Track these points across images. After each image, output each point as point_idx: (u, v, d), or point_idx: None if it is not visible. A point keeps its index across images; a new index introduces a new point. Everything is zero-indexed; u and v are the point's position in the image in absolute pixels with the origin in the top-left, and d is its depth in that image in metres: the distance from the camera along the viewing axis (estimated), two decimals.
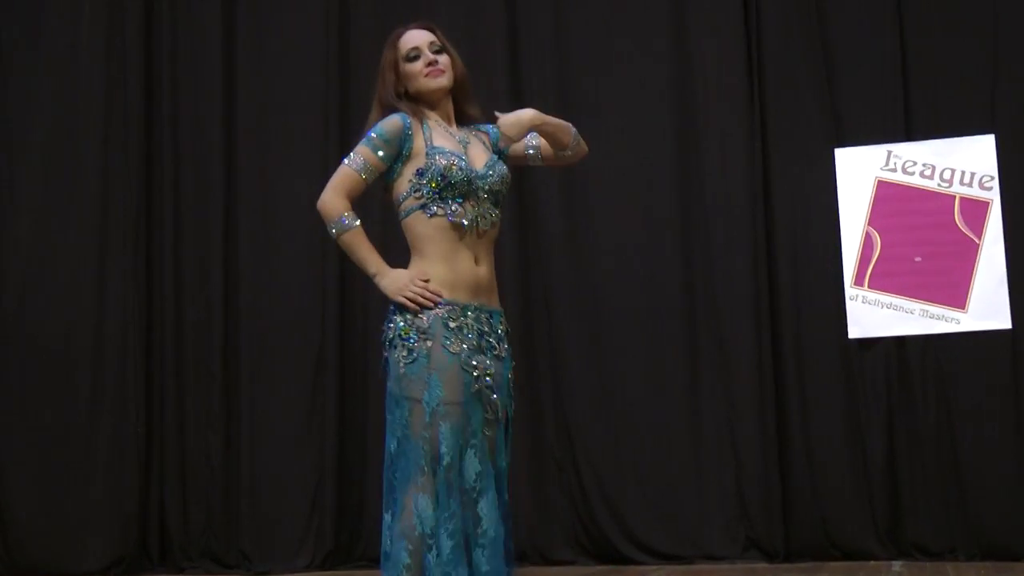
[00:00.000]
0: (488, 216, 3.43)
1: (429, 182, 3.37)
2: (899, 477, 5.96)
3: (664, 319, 6.23)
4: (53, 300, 6.57)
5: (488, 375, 3.34)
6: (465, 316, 3.35)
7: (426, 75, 3.46)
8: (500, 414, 3.38)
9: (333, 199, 3.41)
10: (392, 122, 3.42)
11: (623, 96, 6.35)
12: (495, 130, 3.53)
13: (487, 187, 3.42)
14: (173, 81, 6.66)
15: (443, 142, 3.44)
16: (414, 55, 3.46)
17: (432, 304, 3.31)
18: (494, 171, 3.47)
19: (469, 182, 3.39)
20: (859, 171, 6.05)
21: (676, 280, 6.23)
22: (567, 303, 6.31)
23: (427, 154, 3.39)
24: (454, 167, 3.37)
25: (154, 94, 6.65)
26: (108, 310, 6.53)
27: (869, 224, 5.98)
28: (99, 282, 6.53)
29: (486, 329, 3.39)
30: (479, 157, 3.48)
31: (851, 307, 5.99)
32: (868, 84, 6.11)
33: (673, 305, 6.23)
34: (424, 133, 3.44)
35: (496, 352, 3.39)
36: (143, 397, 6.49)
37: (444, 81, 3.49)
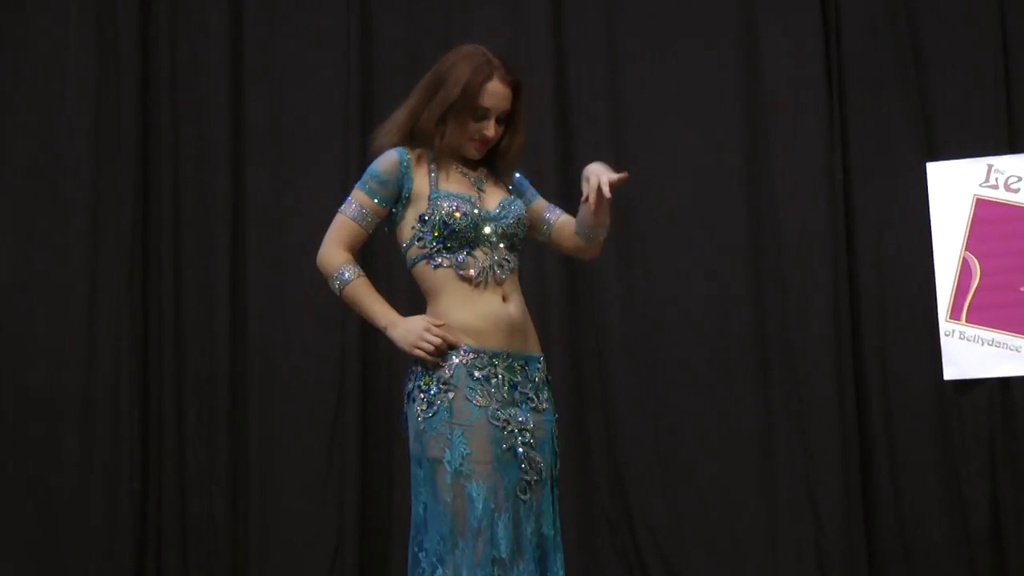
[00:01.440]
0: (505, 264, 3.28)
1: (432, 230, 3.24)
2: (1005, 543, 5.48)
3: (731, 361, 5.73)
4: (35, 341, 6.00)
5: (525, 430, 3.17)
6: (493, 365, 3.19)
7: (472, 141, 3.30)
8: (545, 474, 3.20)
9: (330, 253, 3.32)
10: (388, 160, 3.29)
11: (681, 106, 5.85)
12: (522, 183, 3.44)
13: (500, 231, 3.27)
14: (172, 85, 6.10)
15: (450, 183, 3.29)
16: (481, 115, 3.28)
17: (452, 346, 3.18)
18: (508, 211, 3.30)
19: (476, 228, 3.24)
20: (955, 188, 5.56)
21: (744, 316, 5.74)
22: (620, 346, 5.77)
23: (430, 198, 3.25)
24: (457, 213, 3.22)
25: (152, 100, 6.10)
26: (98, 353, 5.97)
27: (967, 249, 5.53)
28: (88, 319, 5.98)
29: (519, 379, 3.22)
30: (493, 196, 3.33)
31: (946, 344, 5.52)
32: (965, 88, 5.64)
33: (741, 345, 5.73)
34: (429, 173, 3.29)
35: (534, 404, 3.23)
36: (139, 451, 5.94)
37: (479, 155, 3.34)
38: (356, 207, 3.30)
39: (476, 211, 3.25)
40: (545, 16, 5.90)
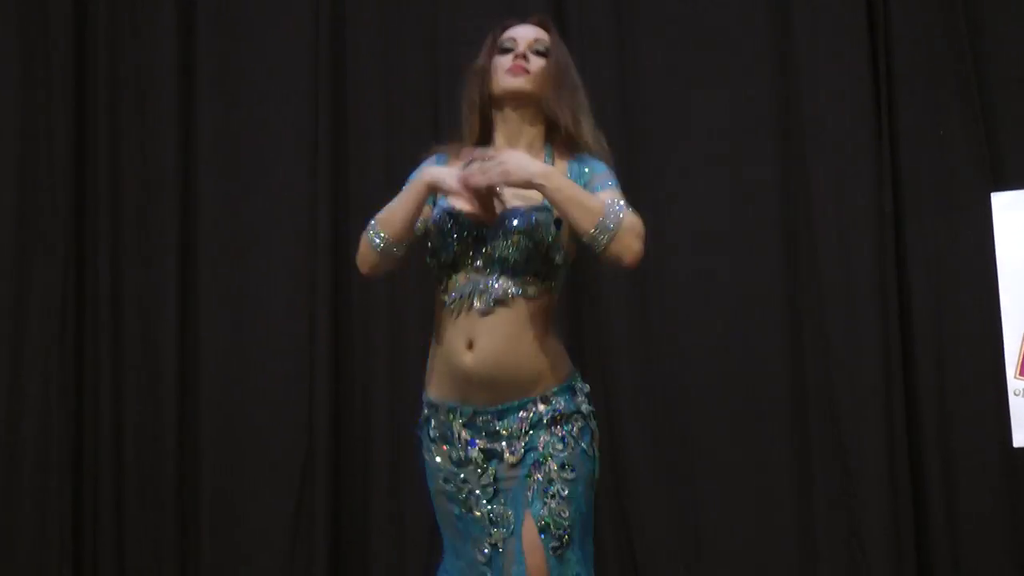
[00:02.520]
0: (487, 293, 3.01)
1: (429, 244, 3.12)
2: None
3: (765, 426, 5.30)
4: None
5: (489, 487, 3.06)
6: (449, 420, 3.08)
7: (507, 70, 3.13)
8: (517, 527, 3.01)
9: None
10: (424, 162, 3.19)
11: (705, 132, 5.42)
12: (598, 163, 3.13)
13: (485, 251, 3.02)
14: (111, 106, 5.71)
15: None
16: (508, 46, 3.17)
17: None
18: (507, 230, 3.00)
19: (450, 247, 3.04)
20: None
21: (779, 378, 5.32)
22: (633, 399, 5.33)
23: (434, 203, 3.12)
24: (434, 228, 3.06)
25: (87, 126, 5.70)
26: (25, 413, 5.59)
27: None
28: (12, 373, 5.60)
29: (482, 435, 3.06)
30: (515, 200, 3.03)
31: (1016, 406, 5.16)
32: None
33: (777, 408, 5.28)
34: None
35: (507, 457, 3.05)
36: (69, 533, 5.49)
37: (521, 84, 3.12)
38: None
39: (452, 224, 3.04)
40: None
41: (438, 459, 3.12)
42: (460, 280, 3.05)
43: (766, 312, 5.32)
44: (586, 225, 2.95)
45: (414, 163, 5.69)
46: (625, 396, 5.27)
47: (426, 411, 3.16)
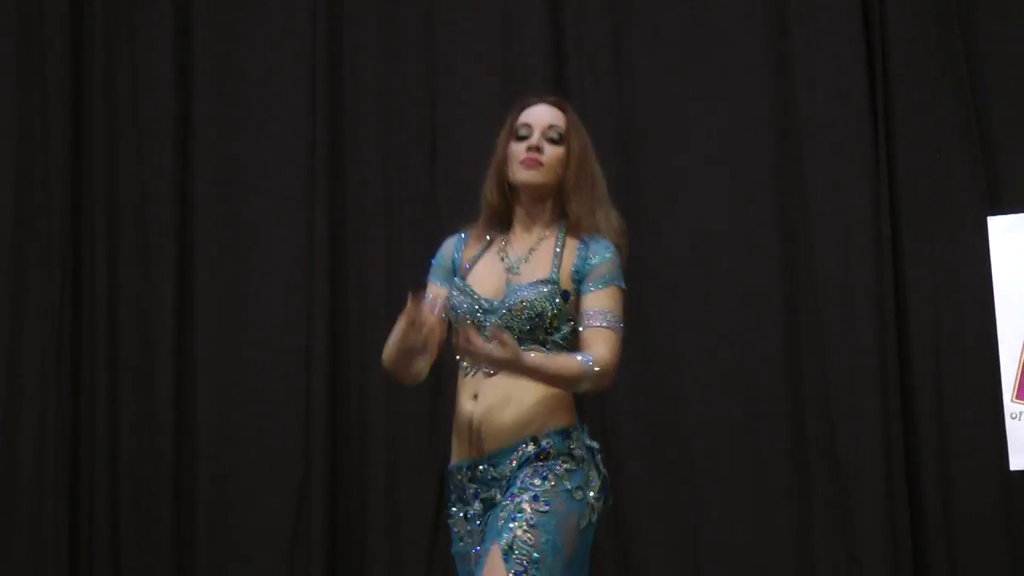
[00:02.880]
0: None
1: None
2: None
3: (762, 447, 5.29)
4: None
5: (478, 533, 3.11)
6: (459, 478, 3.16)
7: (521, 161, 3.22)
8: (483, 558, 3.01)
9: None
10: (444, 246, 3.35)
11: (699, 149, 5.43)
12: (605, 247, 3.19)
13: (500, 323, 3.10)
14: (108, 110, 5.70)
15: (483, 264, 3.25)
16: (523, 133, 3.25)
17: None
18: (510, 301, 3.13)
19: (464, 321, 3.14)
20: (1022, 245, 5.24)
21: (776, 400, 5.31)
22: (632, 423, 5.32)
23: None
24: (446, 311, 3.20)
25: (84, 126, 5.68)
26: (22, 414, 5.57)
27: None
28: (9, 374, 5.58)
29: (483, 482, 3.11)
30: (525, 275, 3.18)
31: (1012, 429, 5.16)
32: None
33: (776, 429, 5.28)
34: (475, 252, 3.29)
35: (498, 498, 3.07)
36: (65, 534, 5.48)
37: (534, 176, 3.21)
38: (424, 292, 3.29)
39: (469, 306, 3.17)
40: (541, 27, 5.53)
41: (457, 521, 3.15)
42: None
43: (764, 333, 5.33)
44: (566, 388, 3.12)
45: (412, 183, 5.67)
46: (622, 397, 5.25)
47: (449, 481, 3.20)
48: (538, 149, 3.20)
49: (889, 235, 5.25)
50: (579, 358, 3.04)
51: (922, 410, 5.22)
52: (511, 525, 2.96)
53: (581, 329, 3.13)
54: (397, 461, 5.09)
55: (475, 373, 3.12)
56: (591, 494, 3.09)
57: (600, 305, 3.14)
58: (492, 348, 2.93)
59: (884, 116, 5.31)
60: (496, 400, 3.11)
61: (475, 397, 3.12)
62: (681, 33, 5.44)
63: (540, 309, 3.15)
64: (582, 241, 3.19)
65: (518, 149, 3.21)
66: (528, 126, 3.23)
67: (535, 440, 3.09)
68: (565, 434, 3.11)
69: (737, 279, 5.35)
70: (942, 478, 5.17)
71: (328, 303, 5.28)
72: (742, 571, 5.22)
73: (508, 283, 3.18)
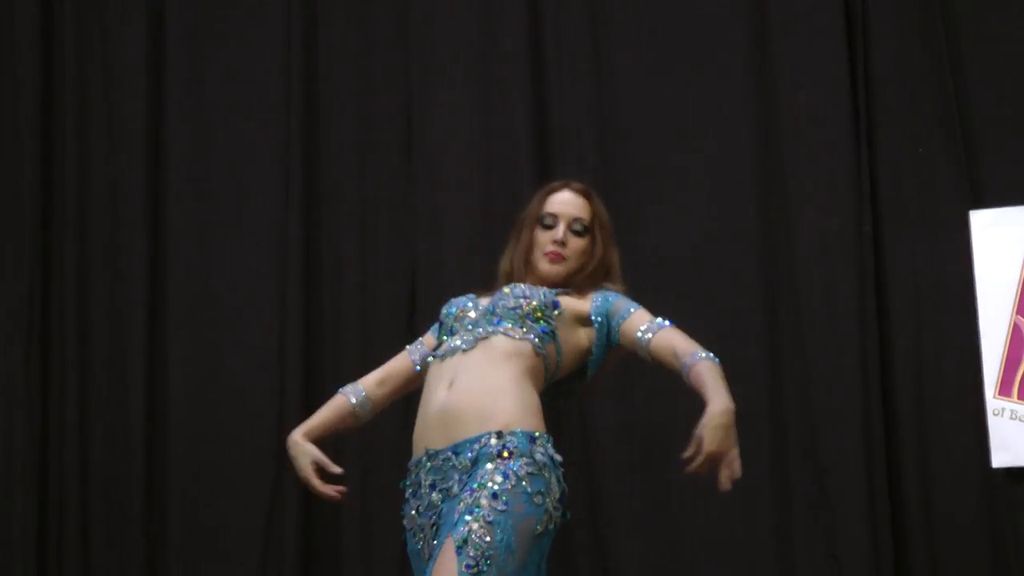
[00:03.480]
0: (473, 333, 3.21)
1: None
2: None
3: (742, 446, 5.11)
4: None
5: (432, 527, 3.07)
6: (416, 472, 3.17)
7: (545, 253, 3.36)
8: (437, 550, 2.98)
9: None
10: (450, 303, 3.40)
11: (679, 145, 5.43)
12: (609, 291, 3.36)
13: (492, 309, 3.24)
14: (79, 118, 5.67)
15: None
16: (549, 223, 3.38)
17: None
18: (503, 300, 3.25)
19: (458, 318, 3.27)
20: (1004, 241, 5.19)
21: (757, 398, 5.24)
22: (610, 428, 5.30)
23: None
24: (444, 308, 3.34)
25: (55, 130, 5.63)
26: None
27: (1018, 312, 5.18)
28: None
29: (441, 473, 3.09)
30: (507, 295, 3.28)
31: (995, 425, 5.10)
32: (1015, 126, 5.27)
33: (757, 426, 5.18)
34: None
35: (455, 489, 3.04)
36: (33, 542, 5.43)
37: (559, 271, 3.36)
38: (418, 341, 3.49)
39: (464, 303, 3.32)
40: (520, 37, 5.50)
41: (410, 518, 3.16)
42: (453, 339, 3.26)
43: (744, 329, 5.30)
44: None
45: (390, 185, 5.64)
46: (602, 404, 5.25)
47: (406, 479, 3.22)
48: (563, 243, 3.35)
49: (871, 232, 5.23)
50: (701, 355, 3.22)
51: (903, 408, 5.20)
52: (467, 518, 2.94)
53: (647, 344, 3.27)
54: (371, 460, 5.08)
55: (450, 358, 3.20)
56: (550, 502, 3.08)
57: (645, 319, 3.29)
58: (728, 435, 3.09)
59: (866, 114, 5.29)
60: (471, 389, 3.14)
61: (451, 385, 3.16)
62: (662, 33, 5.40)
63: (530, 294, 3.27)
64: (595, 291, 3.36)
65: (544, 239, 3.35)
66: (554, 216, 3.36)
67: (499, 435, 3.08)
68: (531, 437, 3.10)
69: (718, 278, 5.34)
70: (923, 476, 5.15)
71: (302, 303, 5.25)
72: (723, 570, 5.20)
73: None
